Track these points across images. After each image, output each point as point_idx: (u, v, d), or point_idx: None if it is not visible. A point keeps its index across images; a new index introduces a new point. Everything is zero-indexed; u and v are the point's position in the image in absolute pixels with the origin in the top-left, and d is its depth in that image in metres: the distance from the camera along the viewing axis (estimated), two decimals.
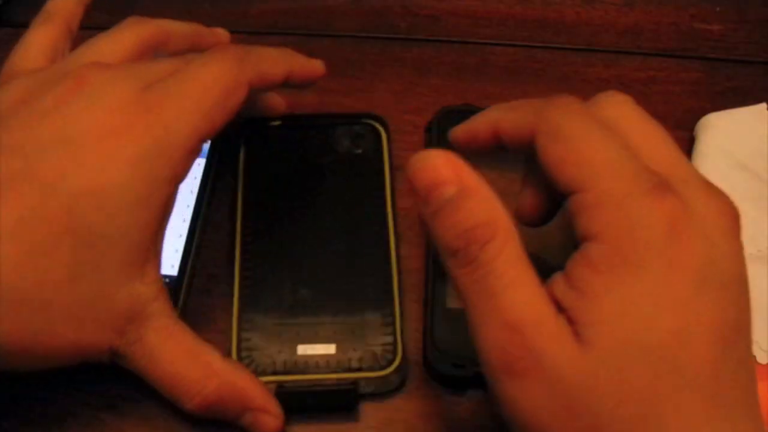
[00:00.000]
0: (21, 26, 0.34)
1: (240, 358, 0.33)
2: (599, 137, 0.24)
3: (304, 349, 0.33)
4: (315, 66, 0.35)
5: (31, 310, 0.26)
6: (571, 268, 0.23)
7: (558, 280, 0.24)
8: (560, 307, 0.23)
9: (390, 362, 0.33)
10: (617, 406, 0.21)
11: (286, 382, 0.32)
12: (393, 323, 0.33)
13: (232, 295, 0.34)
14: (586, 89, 0.44)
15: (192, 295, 0.35)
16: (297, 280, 0.35)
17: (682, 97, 0.43)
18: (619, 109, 0.26)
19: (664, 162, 0.24)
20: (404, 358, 0.33)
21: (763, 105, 0.41)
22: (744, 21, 0.47)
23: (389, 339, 0.33)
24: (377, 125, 0.39)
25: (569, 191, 0.24)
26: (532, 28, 0.46)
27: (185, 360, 0.29)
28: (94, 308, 0.27)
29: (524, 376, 0.22)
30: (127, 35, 0.32)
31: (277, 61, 0.33)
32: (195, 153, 0.29)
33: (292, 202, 0.37)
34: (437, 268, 0.35)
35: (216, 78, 0.29)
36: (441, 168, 0.24)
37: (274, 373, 0.32)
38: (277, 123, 0.39)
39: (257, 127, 0.39)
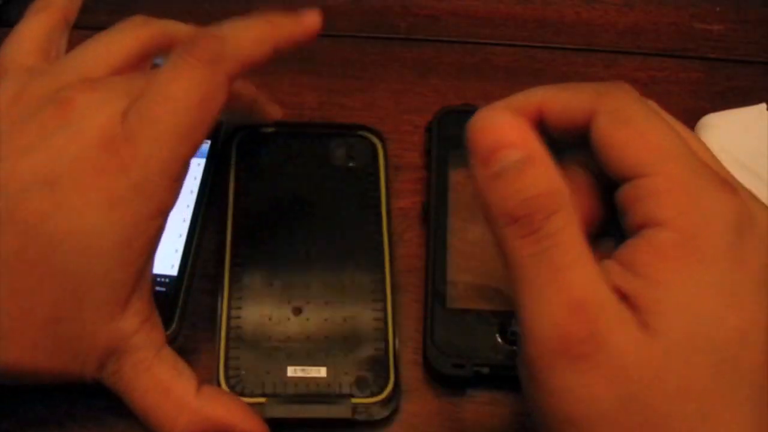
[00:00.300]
0: None
1: (227, 378, 0.31)
2: (664, 125, 0.23)
3: (294, 371, 0.32)
4: (306, 24, 0.31)
5: (13, 346, 0.26)
6: (631, 253, 0.22)
7: (613, 266, 0.22)
8: (622, 295, 0.22)
9: (382, 389, 0.32)
10: (681, 403, 0.20)
11: (276, 403, 0.31)
12: (386, 348, 0.32)
13: (219, 310, 0.33)
14: None
15: (192, 295, 0.35)
16: (288, 296, 0.34)
17: (682, 97, 0.43)
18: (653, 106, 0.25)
19: (713, 164, 0.24)
20: (397, 384, 0.32)
21: (763, 105, 0.41)
22: (744, 21, 0.47)
23: (382, 364, 0.32)
24: (373, 138, 0.38)
25: (630, 176, 0.23)
26: (532, 28, 0.46)
27: (158, 395, 0.28)
28: (75, 346, 0.27)
29: (584, 361, 0.21)
30: (128, 38, 0.31)
31: (258, 39, 0.29)
32: (180, 178, 0.28)
33: (284, 215, 0.36)
34: (438, 269, 0.35)
35: (187, 91, 0.27)
36: (507, 129, 0.22)
37: (263, 394, 0.31)
38: (270, 130, 0.38)
39: (249, 133, 0.38)
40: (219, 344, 0.32)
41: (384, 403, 0.31)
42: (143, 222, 0.26)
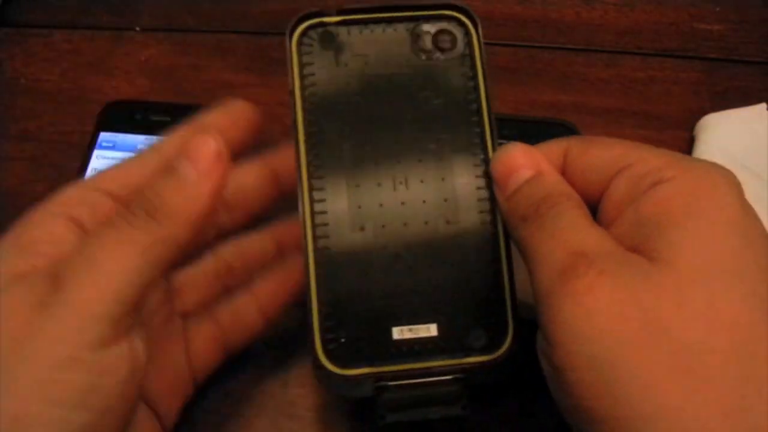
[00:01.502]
0: (21, 26, 0.34)
1: (324, 344, 0.26)
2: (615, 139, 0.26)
3: (400, 332, 0.27)
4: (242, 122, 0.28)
5: None
6: (634, 212, 0.23)
7: (621, 231, 0.23)
8: (634, 250, 0.22)
9: (501, 343, 0.27)
10: (708, 335, 0.19)
11: (386, 373, 0.26)
12: (501, 289, 0.27)
13: (306, 268, 0.27)
14: (586, 89, 0.44)
15: None
16: (383, 241, 0.27)
17: (682, 97, 0.43)
18: None
19: None
20: (516, 336, 0.27)
21: (763, 105, 0.41)
22: (744, 21, 0.47)
23: (499, 312, 0.27)
24: (462, 17, 0.30)
25: (613, 175, 0.24)
26: (532, 28, 0.46)
27: None
28: None
29: (588, 292, 0.20)
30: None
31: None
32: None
33: (367, 133, 0.28)
34: None
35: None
36: (519, 156, 0.26)
37: (370, 363, 0.27)
38: (335, 19, 0.29)
39: (310, 27, 0.29)
40: (311, 306, 0.27)
41: (503, 358, 0.27)
42: None
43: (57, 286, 0.22)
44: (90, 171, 0.40)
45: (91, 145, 0.41)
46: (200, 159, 0.24)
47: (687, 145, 0.40)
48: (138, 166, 0.27)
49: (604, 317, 0.20)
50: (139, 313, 0.23)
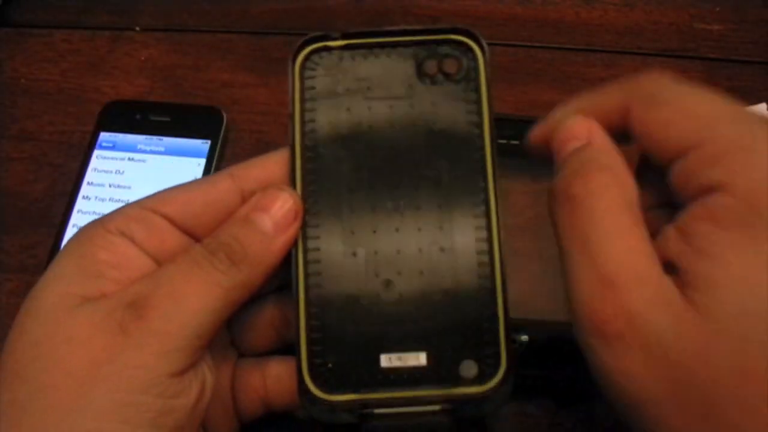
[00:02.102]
0: (21, 26, 0.34)
1: (311, 368, 0.26)
2: (707, 94, 0.22)
3: (388, 360, 0.26)
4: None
5: None
6: (688, 221, 0.21)
7: (670, 234, 0.21)
8: (673, 267, 0.20)
9: (492, 375, 0.26)
10: (739, 385, 0.18)
11: (372, 401, 0.26)
12: (495, 320, 0.26)
13: (295, 293, 0.27)
14: (585, 89, 0.44)
15: None
16: (376, 268, 0.27)
17: None
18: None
19: None
20: (509, 368, 0.26)
21: (763, 105, 0.41)
22: (744, 21, 0.47)
23: (492, 342, 0.26)
24: (469, 41, 0.29)
25: (680, 153, 0.22)
26: (532, 28, 0.46)
27: None
28: None
29: (617, 340, 0.20)
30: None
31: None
32: None
33: (365, 159, 0.28)
34: None
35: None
36: (576, 126, 0.25)
37: (355, 390, 0.26)
38: (338, 44, 0.29)
39: (314, 51, 0.29)
40: (299, 329, 0.26)
41: (496, 389, 0.26)
42: None
43: (138, 314, 0.23)
44: (90, 171, 0.40)
45: (91, 145, 0.41)
46: (278, 214, 0.25)
47: None
48: (199, 193, 0.27)
49: (634, 376, 0.20)
50: (210, 344, 0.25)
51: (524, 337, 0.31)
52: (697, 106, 0.22)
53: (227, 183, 0.27)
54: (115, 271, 0.25)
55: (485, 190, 0.27)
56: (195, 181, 0.28)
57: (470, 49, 0.29)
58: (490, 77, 0.28)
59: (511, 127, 0.40)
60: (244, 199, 0.26)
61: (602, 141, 0.24)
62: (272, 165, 0.27)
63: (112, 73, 0.45)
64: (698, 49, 0.46)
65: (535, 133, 0.27)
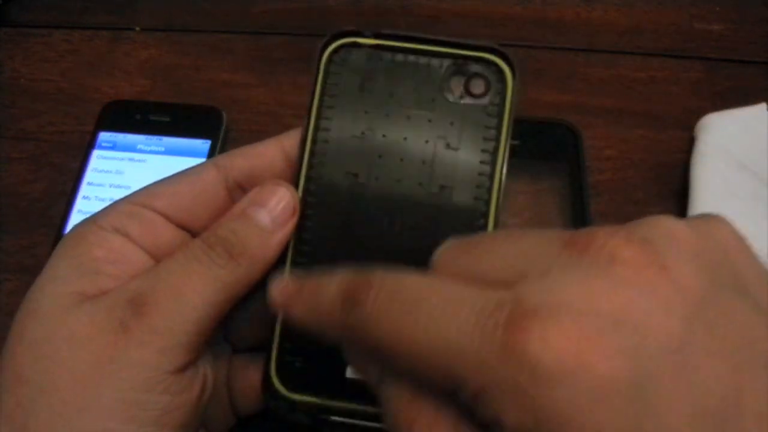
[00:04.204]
0: (21, 26, 0.34)
1: (280, 364, 0.26)
2: None
3: (353, 372, 0.26)
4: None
5: None
6: None
7: None
8: None
9: None
10: None
11: (330, 408, 0.26)
12: None
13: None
14: (586, 89, 0.44)
15: None
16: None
17: (682, 97, 0.43)
18: None
19: None
20: None
21: (763, 105, 0.41)
22: (744, 21, 0.47)
23: None
24: (502, 64, 0.28)
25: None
26: (532, 28, 0.46)
27: None
28: None
29: None
30: None
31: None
32: None
33: (370, 165, 0.27)
34: None
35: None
36: None
37: (316, 394, 0.26)
38: (369, 42, 0.28)
39: (341, 46, 0.28)
40: (274, 330, 0.27)
41: None
42: None
43: (139, 311, 0.23)
44: (90, 171, 0.40)
45: (90, 145, 0.41)
46: (276, 209, 0.25)
47: (687, 145, 0.40)
48: (187, 185, 0.27)
49: None
50: (211, 339, 0.25)
51: None
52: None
53: (213, 173, 0.27)
54: (113, 267, 0.24)
55: (484, 214, 0.26)
56: (180, 174, 0.27)
57: (501, 72, 0.28)
58: (515, 104, 0.27)
59: (511, 128, 0.40)
60: (229, 189, 0.27)
61: None
62: (256, 155, 0.27)
63: (112, 73, 0.45)
64: (698, 49, 0.46)
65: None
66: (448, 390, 0.19)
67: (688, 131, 0.41)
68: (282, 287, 0.24)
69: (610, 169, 0.41)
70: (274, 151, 0.27)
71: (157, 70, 0.45)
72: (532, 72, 0.44)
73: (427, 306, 0.19)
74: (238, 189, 0.27)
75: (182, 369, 0.23)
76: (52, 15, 0.48)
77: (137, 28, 0.47)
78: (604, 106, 0.43)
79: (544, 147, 0.40)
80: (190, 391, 0.24)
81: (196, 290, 0.24)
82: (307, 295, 0.23)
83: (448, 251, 0.22)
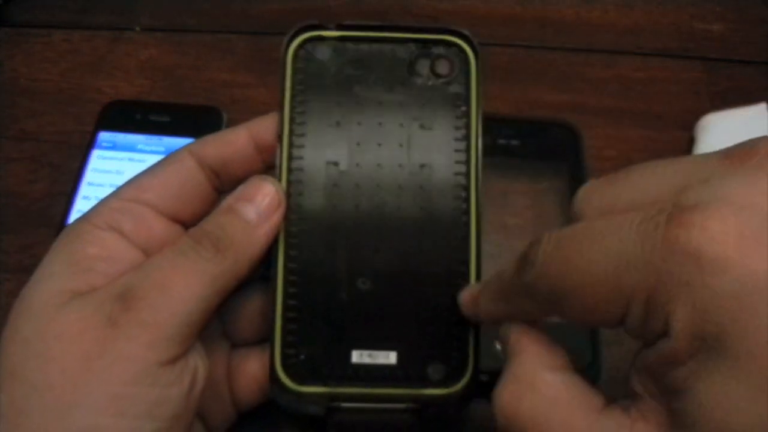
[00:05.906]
0: (21, 26, 0.34)
1: (284, 358, 0.27)
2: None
3: (359, 356, 0.27)
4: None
5: None
6: (650, 364, 0.19)
7: (635, 379, 0.20)
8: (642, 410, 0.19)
9: (459, 378, 0.27)
10: None
11: (340, 395, 0.26)
12: (465, 326, 0.27)
13: (273, 284, 0.27)
14: (586, 89, 0.44)
15: None
16: (353, 265, 0.27)
17: (682, 97, 0.43)
18: None
19: None
20: (475, 373, 0.27)
21: (763, 105, 0.41)
22: (744, 21, 0.47)
23: (461, 347, 0.27)
24: (463, 44, 0.29)
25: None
26: (532, 28, 0.46)
27: None
28: None
29: None
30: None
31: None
32: None
33: (349, 159, 0.28)
34: None
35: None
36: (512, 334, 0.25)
37: (325, 383, 0.27)
38: (332, 34, 0.29)
39: (306, 40, 0.29)
40: (274, 323, 0.27)
41: (460, 392, 0.27)
42: None
43: (127, 306, 0.23)
44: (90, 171, 0.40)
45: (90, 145, 0.41)
46: (261, 204, 0.26)
47: (687, 145, 0.40)
48: (171, 175, 0.27)
49: None
50: (201, 333, 0.25)
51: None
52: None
53: (192, 161, 0.27)
54: (105, 264, 0.25)
55: (466, 187, 0.28)
56: (161, 163, 0.28)
57: (463, 52, 0.29)
58: (481, 81, 0.28)
59: (511, 127, 0.40)
60: (207, 175, 0.27)
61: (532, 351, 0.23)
62: (226, 143, 0.28)
63: (112, 73, 0.45)
64: (698, 49, 0.46)
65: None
66: (620, 315, 0.19)
67: (688, 131, 0.41)
68: (467, 293, 0.26)
69: (610, 169, 0.40)
70: (244, 138, 0.28)
71: (157, 70, 0.45)
72: (532, 72, 0.44)
73: (589, 236, 0.19)
74: (214, 174, 0.28)
75: (171, 362, 0.23)
76: (52, 15, 0.48)
77: (137, 28, 0.47)
78: (604, 106, 0.43)
79: (544, 147, 0.40)
80: (180, 383, 0.24)
81: (184, 284, 0.24)
82: (491, 284, 0.24)
83: (589, 190, 0.23)
